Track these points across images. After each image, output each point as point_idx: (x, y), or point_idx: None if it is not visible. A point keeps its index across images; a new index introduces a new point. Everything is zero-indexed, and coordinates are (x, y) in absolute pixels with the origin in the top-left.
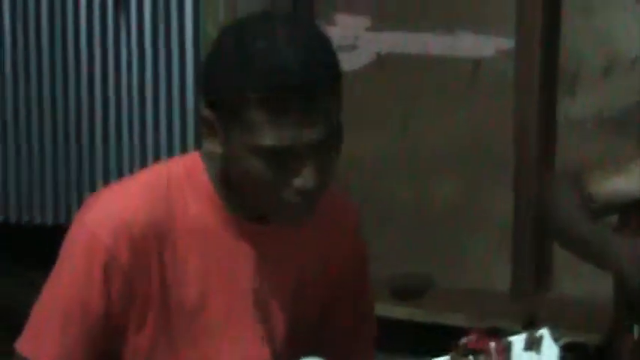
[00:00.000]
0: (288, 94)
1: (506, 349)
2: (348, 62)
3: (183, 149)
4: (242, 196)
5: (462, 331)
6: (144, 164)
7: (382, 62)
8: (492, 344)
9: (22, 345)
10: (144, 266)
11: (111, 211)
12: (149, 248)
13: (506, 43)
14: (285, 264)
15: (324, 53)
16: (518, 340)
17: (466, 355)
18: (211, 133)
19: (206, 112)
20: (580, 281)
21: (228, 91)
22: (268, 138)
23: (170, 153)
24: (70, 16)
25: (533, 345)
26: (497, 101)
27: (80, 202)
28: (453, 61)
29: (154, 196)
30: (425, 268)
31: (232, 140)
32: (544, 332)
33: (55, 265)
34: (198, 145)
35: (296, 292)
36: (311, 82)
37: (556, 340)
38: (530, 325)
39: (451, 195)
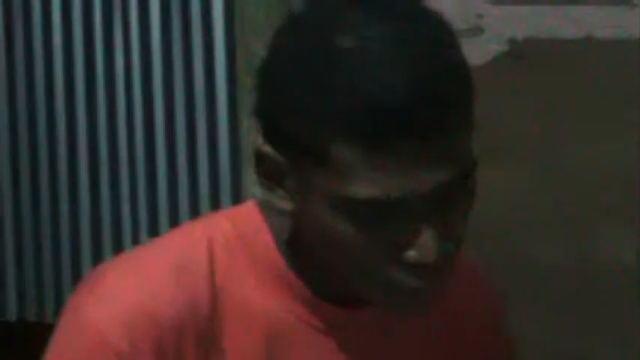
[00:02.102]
0: (394, 125)
1: None
2: (466, 54)
3: (235, 199)
4: (325, 271)
5: None
6: (173, 223)
7: (518, 52)
8: None
9: None
10: None
11: (126, 299)
12: (185, 354)
13: None
14: None
15: (450, 63)
16: None
17: None
18: (277, 181)
19: (269, 151)
20: None
21: (303, 123)
22: (365, 187)
23: (213, 206)
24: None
25: None
26: None
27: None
28: (629, 46)
29: (190, 274)
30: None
31: (313, 192)
32: None
33: None
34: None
35: None
36: (435, 104)
37: None
38: None
39: (620, 257)
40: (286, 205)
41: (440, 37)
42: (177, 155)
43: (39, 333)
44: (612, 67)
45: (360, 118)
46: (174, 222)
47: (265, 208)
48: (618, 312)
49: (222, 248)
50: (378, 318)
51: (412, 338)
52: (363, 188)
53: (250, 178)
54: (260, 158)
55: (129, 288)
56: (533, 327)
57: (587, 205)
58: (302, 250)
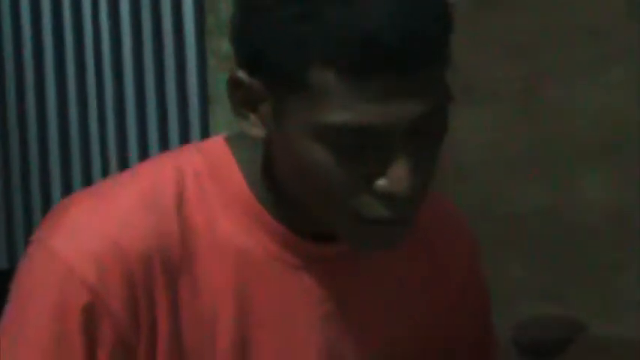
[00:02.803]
0: (379, 54)
1: None
2: None
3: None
4: (297, 204)
5: None
6: (143, 157)
7: None
8: None
9: None
10: (147, 316)
11: (94, 232)
12: (154, 287)
13: None
14: (367, 305)
15: None
16: None
17: None
18: (250, 108)
19: (243, 77)
20: None
21: (287, 47)
22: (346, 113)
23: (183, 139)
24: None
25: None
26: None
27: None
28: None
29: (159, 206)
30: (569, 309)
31: (288, 118)
32: None
33: (3, 319)
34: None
35: (385, 348)
36: (415, 38)
37: None
38: None
39: (604, 200)
40: (259, 131)
41: None
42: (146, 97)
43: None
44: (586, 6)
45: (339, 43)
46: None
47: (234, 142)
48: (594, 253)
49: (192, 181)
50: (353, 254)
51: (390, 278)
52: (339, 114)
53: (217, 119)
54: (234, 84)
55: (97, 220)
56: (510, 267)
57: (564, 146)
58: (274, 183)
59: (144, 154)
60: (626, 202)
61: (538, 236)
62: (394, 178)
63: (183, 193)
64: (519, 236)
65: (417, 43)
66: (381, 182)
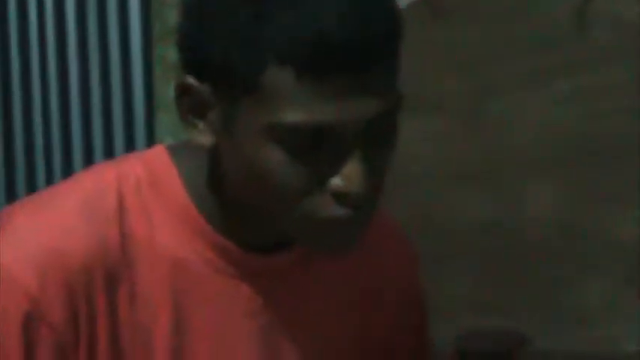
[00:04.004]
0: (334, 52)
1: None
2: None
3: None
4: (244, 214)
5: None
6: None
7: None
8: None
9: None
10: (86, 324)
11: (36, 240)
12: (94, 295)
13: None
14: (308, 316)
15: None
16: None
17: None
18: (199, 114)
19: (192, 83)
20: None
21: (239, 50)
22: (300, 112)
23: (129, 147)
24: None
25: None
26: (622, 64)
27: None
28: None
29: (99, 215)
30: (512, 321)
31: (240, 122)
32: None
33: None
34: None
35: (324, 358)
36: (366, 37)
37: None
38: None
39: (549, 213)
40: (207, 139)
41: None
42: (91, 104)
43: None
44: (532, 17)
45: (292, 44)
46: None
47: (176, 152)
48: (538, 267)
49: (133, 191)
50: (297, 267)
51: (331, 290)
52: (294, 114)
53: (163, 127)
54: (182, 91)
55: (39, 229)
56: (455, 280)
57: (509, 159)
58: (219, 193)
59: (88, 162)
60: (569, 216)
61: (483, 249)
62: (348, 177)
63: (124, 201)
64: (464, 249)
65: (369, 42)
66: (336, 181)
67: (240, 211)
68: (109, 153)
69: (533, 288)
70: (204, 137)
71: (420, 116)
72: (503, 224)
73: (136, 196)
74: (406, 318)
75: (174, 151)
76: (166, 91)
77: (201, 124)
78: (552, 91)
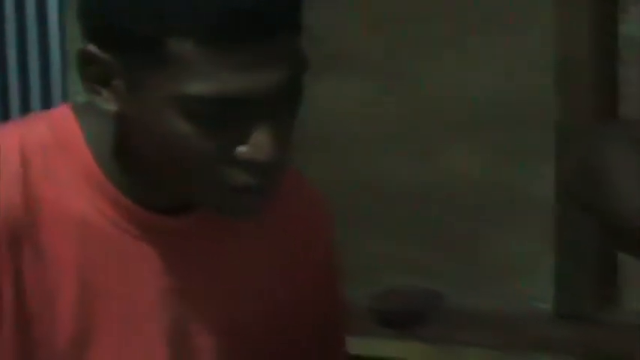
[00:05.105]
0: (237, 22)
1: None
2: None
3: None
4: (150, 176)
5: None
6: None
7: None
8: None
9: None
10: None
11: None
12: None
13: None
14: (218, 280)
15: None
16: None
17: None
18: (103, 83)
19: (95, 52)
20: None
21: (142, 20)
22: (204, 84)
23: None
24: None
25: None
26: (536, 28)
27: None
28: None
29: (3, 175)
30: (431, 280)
31: (145, 91)
32: None
33: None
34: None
35: (235, 324)
36: (268, 6)
37: None
38: None
39: (466, 171)
40: (111, 106)
41: None
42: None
43: None
44: None
45: (195, 14)
46: None
47: (82, 113)
48: (458, 227)
49: (38, 152)
50: (205, 227)
51: (241, 253)
52: (199, 84)
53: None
54: (85, 60)
55: None
56: (374, 240)
57: (431, 120)
58: (125, 156)
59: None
60: (487, 174)
61: (401, 209)
62: (256, 146)
63: (28, 162)
64: (384, 209)
65: (271, 12)
66: (243, 150)
67: (145, 174)
68: (25, 108)
69: (451, 246)
70: (108, 104)
71: (338, 77)
72: (421, 184)
73: (41, 158)
74: (319, 279)
75: (80, 112)
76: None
77: (105, 92)
78: (474, 52)
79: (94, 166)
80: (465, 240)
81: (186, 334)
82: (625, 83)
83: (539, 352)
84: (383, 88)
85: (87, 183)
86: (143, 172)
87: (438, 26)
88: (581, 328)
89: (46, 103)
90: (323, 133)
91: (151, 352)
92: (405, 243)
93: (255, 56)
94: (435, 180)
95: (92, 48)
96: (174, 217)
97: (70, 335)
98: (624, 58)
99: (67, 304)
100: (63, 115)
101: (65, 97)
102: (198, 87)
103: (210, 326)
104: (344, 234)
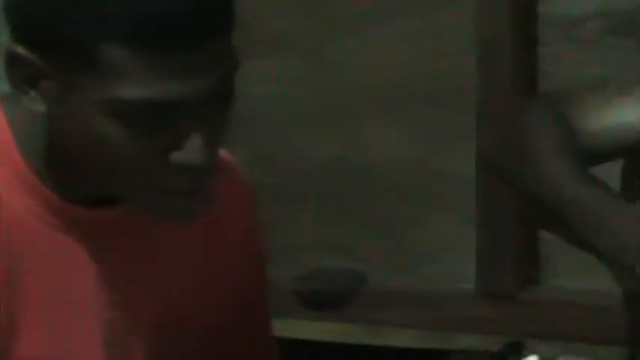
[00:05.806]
0: (165, 27)
1: None
2: None
3: None
4: (79, 174)
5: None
6: None
7: None
8: None
9: None
10: None
11: None
12: None
13: None
14: (149, 264)
15: None
16: None
17: None
18: (29, 81)
19: (22, 53)
20: (584, 271)
21: (68, 21)
22: (134, 88)
23: None
24: None
25: None
26: (466, 3)
27: None
28: None
29: None
30: (356, 261)
31: (76, 94)
32: None
33: None
34: None
35: (167, 304)
36: (200, 13)
37: None
38: (512, 348)
39: (393, 152)
40: (39, 107)
41: None
42: None
43: None
44: None
45: (125, 21)
46: None
47: (7, 104)
48: (384, 207)
49: None
50: (132, 217)
51: (167, 238)
52: (131, 90)
53: None
54: (11, 60)
55: None
56: (299, 221)
57: (353, 99)
58: (51, 151)
59: None
60: (413, 154)
61: (327, 190)
62: (191, 150)
63: None
64: (308, 189)
65: (201, 18)
66: (178, 154)
67: (74, 173)
68: None
69: (378, 227)
70: (36, 104)
71: (260, 56)
72: (347, 164)
73: None
74: (248, 254)
75: (6, 103)
76: None
77: (32, 92)
78: (396, 30)
79: (19, 157)
80: (388, 220)
81: (119, 321)
82: (544, 62)
83: (463, 331)
84: (308, 68)
85: (11, 175)
86: (72, 170)
87: (359, 3)
88: (504, 307)
89: None
90: (245, 113)
91: (84, 341)
92: (328, 223)
93: (186, 60)
94: (357, 160)
95: (18, 49)
96: (103, 209)
97: None
98: (543, 37)
99: None
100: None
101: None
102: (129, 91)
103: (143, 311)
104: (267, 214)
